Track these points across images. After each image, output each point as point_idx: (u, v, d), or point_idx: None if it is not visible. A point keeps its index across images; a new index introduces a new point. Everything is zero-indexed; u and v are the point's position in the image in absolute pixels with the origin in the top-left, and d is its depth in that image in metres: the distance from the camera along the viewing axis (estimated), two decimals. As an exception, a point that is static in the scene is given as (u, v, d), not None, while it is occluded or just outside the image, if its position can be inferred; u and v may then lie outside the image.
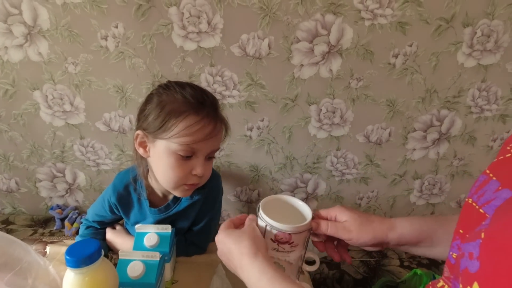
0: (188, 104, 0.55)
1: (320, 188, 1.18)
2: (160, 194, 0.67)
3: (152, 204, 0.67)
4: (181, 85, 0.58)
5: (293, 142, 1.09)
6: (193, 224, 0.69)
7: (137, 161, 0.64)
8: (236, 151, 1.09)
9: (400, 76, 1.01)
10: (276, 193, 1.18)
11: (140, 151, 0.61)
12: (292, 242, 0.44)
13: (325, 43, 0.96)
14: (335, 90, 1.02)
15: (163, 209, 0.66)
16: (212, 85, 1.00)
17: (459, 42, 0.98)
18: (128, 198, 0.68)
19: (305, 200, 1.20)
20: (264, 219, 0.44)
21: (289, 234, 0.43)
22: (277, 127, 1.07)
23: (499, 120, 1.11)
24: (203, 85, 0.99)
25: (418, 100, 1.05)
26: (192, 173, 0.58)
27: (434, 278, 0.73)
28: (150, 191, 0.67)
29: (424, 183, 1.19)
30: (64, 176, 1.12)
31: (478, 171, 1.19)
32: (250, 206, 1.20)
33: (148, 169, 0.65)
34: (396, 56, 0.99)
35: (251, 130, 1.07)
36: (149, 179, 0.66)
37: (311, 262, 0.49)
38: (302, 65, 0.98)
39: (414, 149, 1.13)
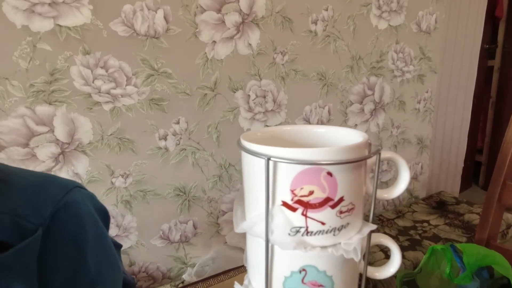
0: None
1: (269, 196, 0.95)
2: None
3: None
4: None
5: (224, 144, 0.85)
6: None
7: None
8: (150, 173, 0.78)
9: (324, 44, 0.91)
10: (218, 218, 0.89)
11: None
12: (344, 201, 0.19)
13: (236, 12, 0.78)
14: (260, 69, 0.84)
15: None
16: (93, 82, 0.69)
17: (369, 4, 0.95)
18: None
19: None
20: (258, 152, 0.18)
21: (329, 172, 0.18)
22: (199, 128, 0.81)
23: (418, 81, 1.11)
24: (79, 83, 0.67)
25: (347, 69, 0.96)
26: None
27: (455, 249, 0.56)
28: None
29: (372, 161, 1.09)
30: None
31: (414, 136, 1.16)
32: (185, 247, 0.87)
33: None
34: (315, 23, 0.88)
35: (165, 138, 0.78)
36: None
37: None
38: (214, 41, 0.77)
39: (356, 125, 1.02)
